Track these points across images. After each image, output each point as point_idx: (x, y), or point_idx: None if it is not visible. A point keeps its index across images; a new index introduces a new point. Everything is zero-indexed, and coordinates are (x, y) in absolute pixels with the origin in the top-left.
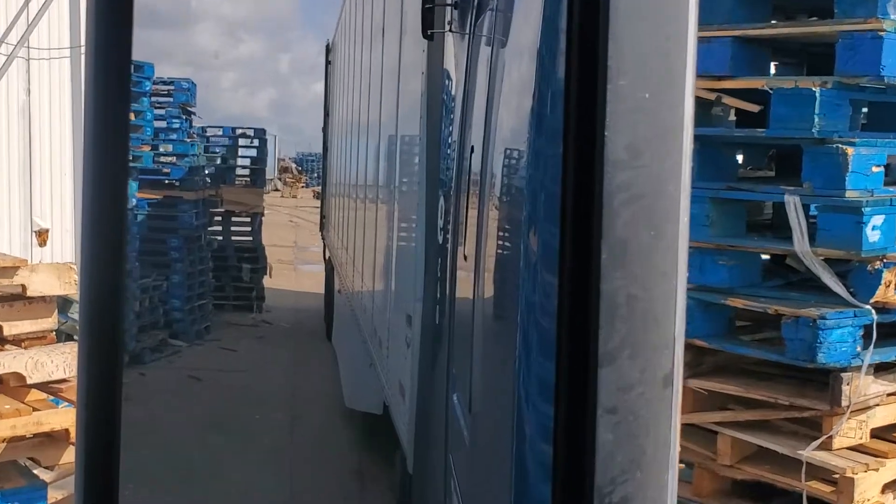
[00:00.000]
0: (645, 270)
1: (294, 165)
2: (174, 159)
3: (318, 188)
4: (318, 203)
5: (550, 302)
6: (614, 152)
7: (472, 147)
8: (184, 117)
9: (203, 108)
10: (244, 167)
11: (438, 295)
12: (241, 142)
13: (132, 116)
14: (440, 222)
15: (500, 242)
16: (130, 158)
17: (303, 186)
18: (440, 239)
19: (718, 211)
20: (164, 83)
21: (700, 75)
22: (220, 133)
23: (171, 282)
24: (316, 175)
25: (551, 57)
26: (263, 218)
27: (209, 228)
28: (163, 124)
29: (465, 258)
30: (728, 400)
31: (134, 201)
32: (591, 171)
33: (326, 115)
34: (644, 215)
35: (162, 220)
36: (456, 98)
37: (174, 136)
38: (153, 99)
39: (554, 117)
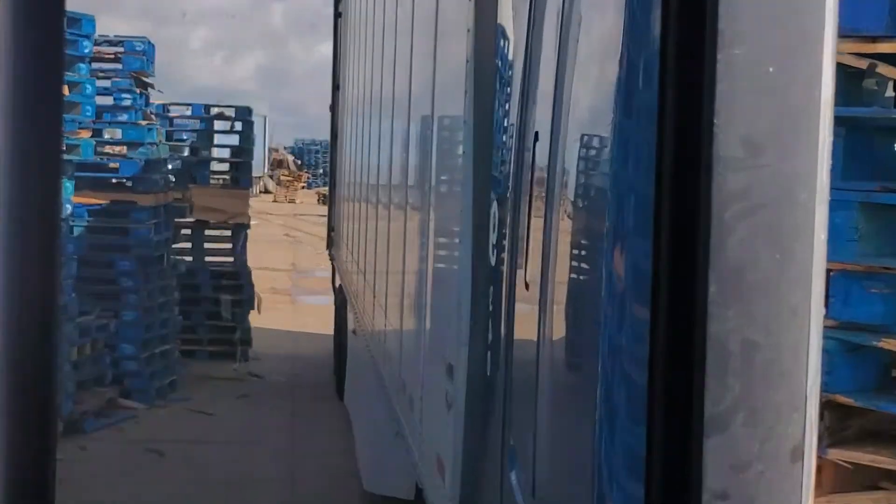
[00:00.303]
0: (767, 306)
1: (291, 158)
2: (124, 149)
3: (325, 189)
4: (325, 210)
5: (641, 347)
6: (726, 146)
7: (536, 134)
8: (138, 91)
9: (165, 79)
10: (222, 160)
11: (490, 337)
12: (218, 125)
13: (65, 91)
14: (492, 237)
15: (574, 265)
16: (63, 148)
17: (303, 187)
18: (492, 260)
19: (870, 221)
20: (110, 43)
21: (846, 36)
22: (189, 113)
23: (122, 320)
24: (322, 171)
25: (644, 12)
26: (249, 231)
27: (174, 246)
28: (108, 101)
29: (527, 286)
30: (881, 476)
31: (69, 208)
32: (696, 170)
33: (336, 88)
34: (766, 232)
35: (108, 234)
36: (514, 66)
37: (124, 118)
38: (95, 66)
39: (646, 95)
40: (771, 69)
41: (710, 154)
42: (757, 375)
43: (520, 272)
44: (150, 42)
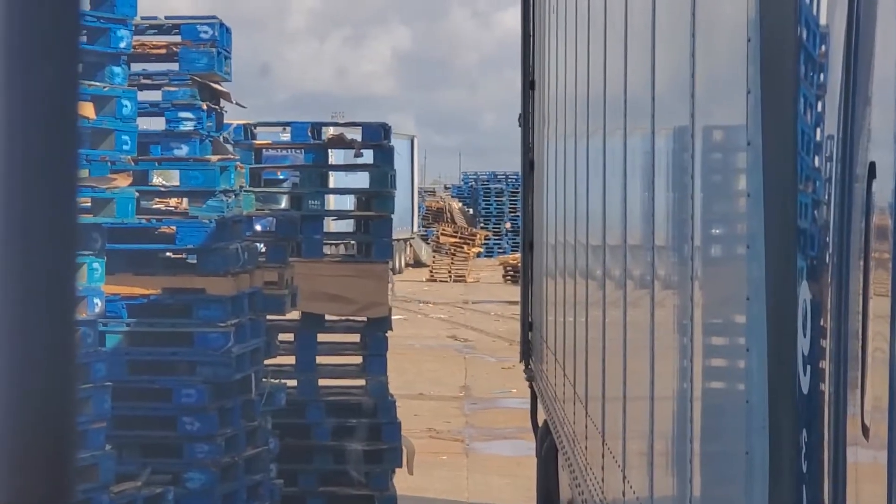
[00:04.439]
0: None
1: (458, 206)
2: (184, 203)
3: (516, 257)
4: (517, 292)
5: None
6: None
7: (872, 165)
8: (204, 107)
9: (247, 84)
10: (344, 215)
11: None
12: (336, 157)
13: (89, 113)
14: (802, 341)
15: None
16: (84, 204)
17: (479, 253)
18: (803, 384)
19: None
20: (160, 30)
21: None
22: (288, 137)
23: (186, 488)
24: (510, 227)
25: None
26: (391, 333)
27: (267, 361)
28: (157, 124)
29: (866, 431)
30: None
31: (97, 304)
32: None
33: (531, 86)
34: None
35: (161, 344)
36: (830, 44)
37: (183, 151)
38: (136, 68)
39: None
40: None
41: None
42: None
43: (852, 404)
44: (222, 25)
